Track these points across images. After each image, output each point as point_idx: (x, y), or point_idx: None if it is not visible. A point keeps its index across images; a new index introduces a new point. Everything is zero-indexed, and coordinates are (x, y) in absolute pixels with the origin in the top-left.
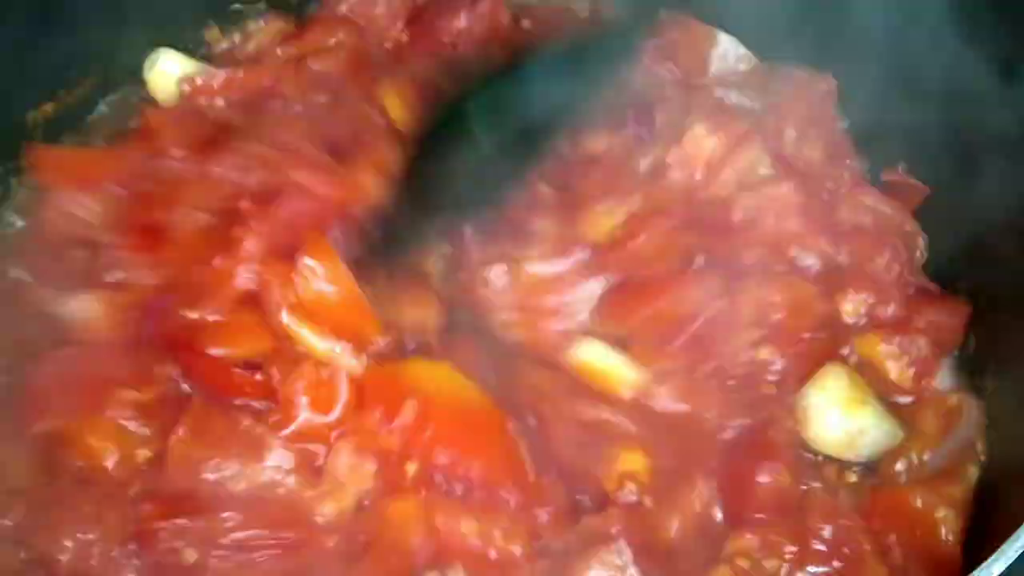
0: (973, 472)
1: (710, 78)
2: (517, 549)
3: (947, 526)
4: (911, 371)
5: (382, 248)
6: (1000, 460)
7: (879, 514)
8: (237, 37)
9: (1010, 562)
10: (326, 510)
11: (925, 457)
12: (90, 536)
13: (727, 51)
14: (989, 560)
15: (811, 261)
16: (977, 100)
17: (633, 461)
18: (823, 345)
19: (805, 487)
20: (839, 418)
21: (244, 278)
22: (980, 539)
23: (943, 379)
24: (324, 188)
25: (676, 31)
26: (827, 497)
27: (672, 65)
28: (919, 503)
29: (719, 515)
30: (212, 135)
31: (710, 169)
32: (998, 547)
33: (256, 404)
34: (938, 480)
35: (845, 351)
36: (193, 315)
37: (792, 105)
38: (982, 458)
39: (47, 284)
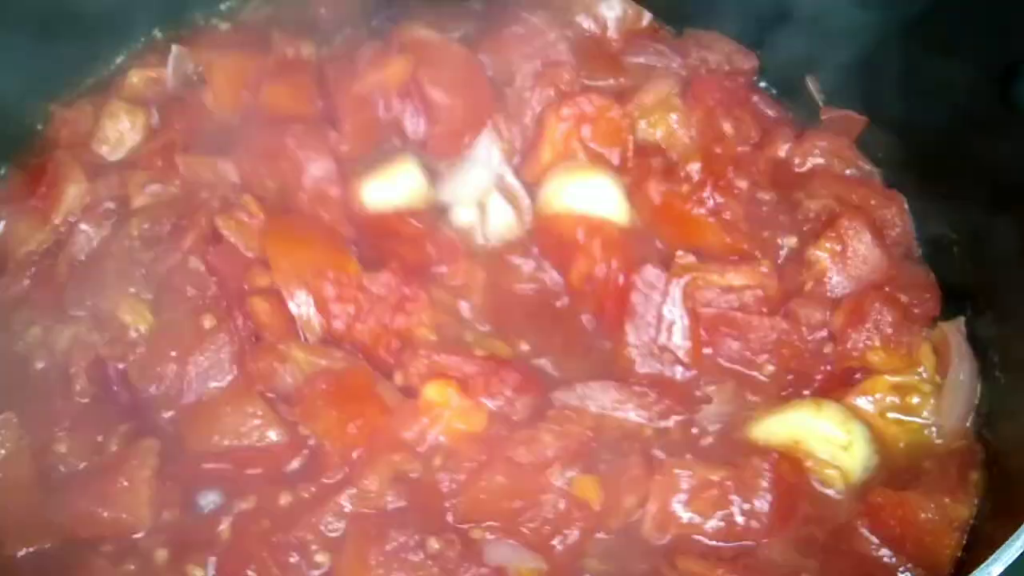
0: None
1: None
2: None
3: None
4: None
5: None
6: (1001, 461)
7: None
8: None
9: (1010, 562)
10: None
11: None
12: None
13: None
14: (989, 560)
15: None
16: None
17: None
18: None
19: None
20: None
21: None
22: (980, 539)
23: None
24: None
25: None
26: None
27: None
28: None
29: None
30: None
31: None
32: (998, 547)
33: None
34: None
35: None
36: None
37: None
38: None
39: None
